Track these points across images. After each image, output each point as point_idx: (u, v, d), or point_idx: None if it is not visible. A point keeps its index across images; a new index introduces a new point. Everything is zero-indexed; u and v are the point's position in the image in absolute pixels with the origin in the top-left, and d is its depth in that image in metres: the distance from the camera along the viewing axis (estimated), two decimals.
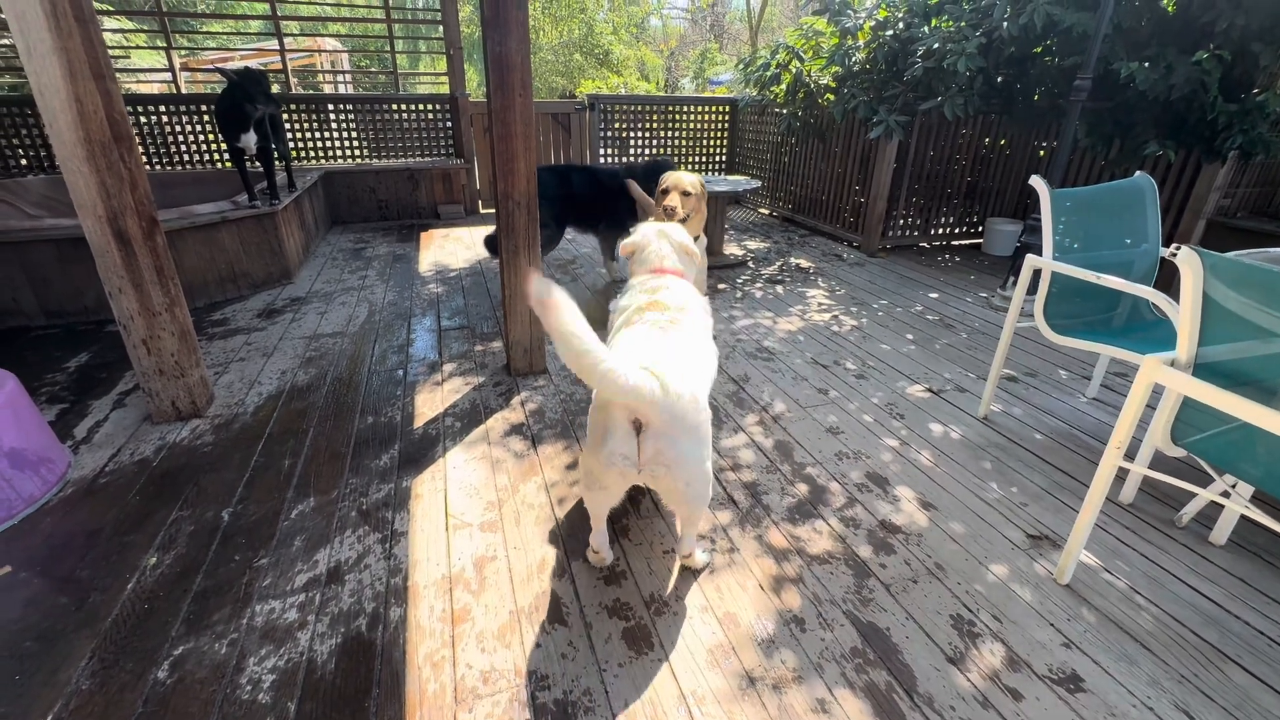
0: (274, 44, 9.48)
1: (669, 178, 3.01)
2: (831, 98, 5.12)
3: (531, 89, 2.46)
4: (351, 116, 6.21)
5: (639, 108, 7.15)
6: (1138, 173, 2.44)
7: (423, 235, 5.69)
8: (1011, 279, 4.18)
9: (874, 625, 1.59)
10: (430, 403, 2.66)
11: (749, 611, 1.63)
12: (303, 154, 6.10)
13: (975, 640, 1.55)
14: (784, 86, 5.52)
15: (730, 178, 4.95)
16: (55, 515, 1.93)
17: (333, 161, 6.22)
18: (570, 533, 1.90)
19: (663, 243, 2.04)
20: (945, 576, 1.76)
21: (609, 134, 6.93)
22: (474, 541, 1.86)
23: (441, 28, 6.29)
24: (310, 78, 10.80)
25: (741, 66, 5.88)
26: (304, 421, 2.49)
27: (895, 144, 4.75)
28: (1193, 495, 1.96)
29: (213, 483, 2.10)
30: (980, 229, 5.66)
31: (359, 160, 6.33)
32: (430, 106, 6.37)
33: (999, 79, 4.58)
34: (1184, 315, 1.42)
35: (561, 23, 16.22)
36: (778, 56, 5.40)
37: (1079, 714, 1.37)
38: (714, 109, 7.36)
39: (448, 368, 3.00)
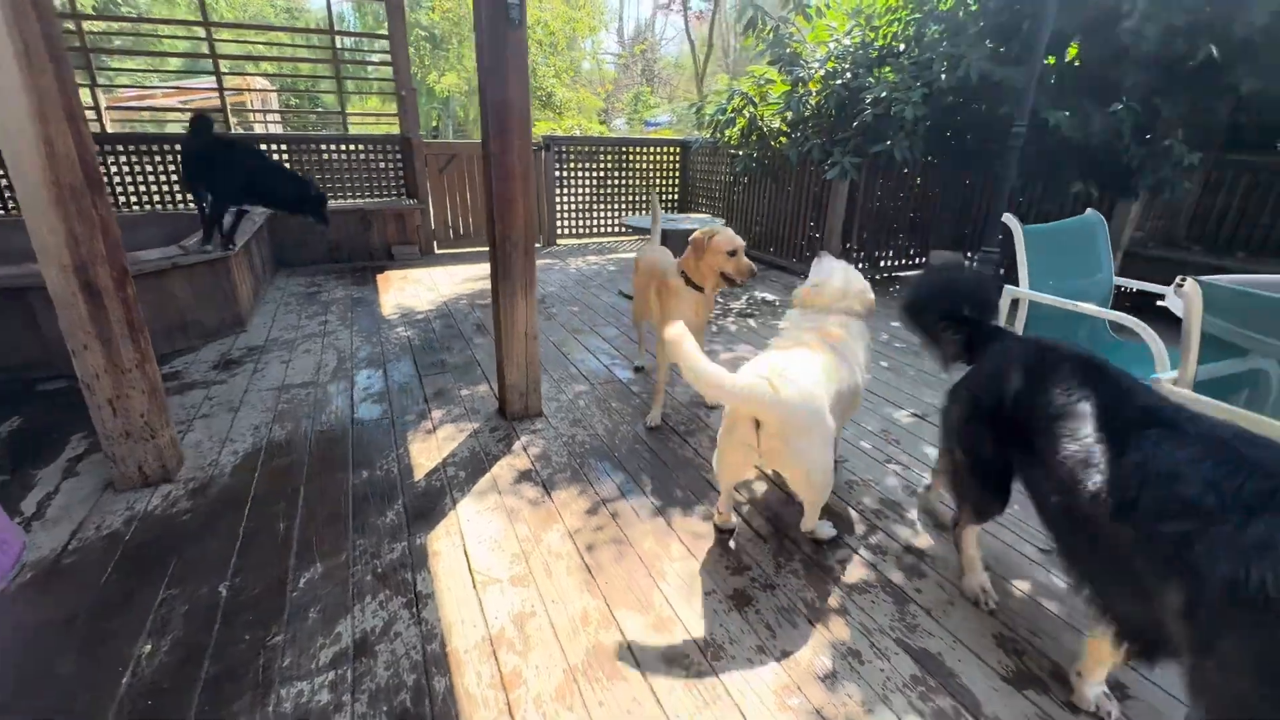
0: (193, 82, 9.08)
1: (725, 238, 2.49)
2: (785, 140, 5.41)
3: (530, 133, 2.47)
4: (301, 157, 5.99)
5: (592, 149, 7.29)
6: (1089, 210, 2.70)
7: (379, 277, 5.50)
8: None
9: (926, 651, 1.62)
10: (426, 452, 2.54)
11: (804, 648, 1.62)
12: None
13: (1021, 658, 1.60)
14: (738, 129, 5.78)
15: (695, 216, 5.10)
16: (18, 605, 1.69)
17: None
18: (607, 580, 1.83)
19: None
20: None
21: (563, 174, 7.00)
22: (507, 597, 1.77)
23: (391, 69, 6.22)
24: (242, 116, 10.38)
25: (694, 110, 6.12)
26: (291, 480, 2.31)
27: (848, 183, 5.04)
28: None
29: (199, 555, 1.91)
30: (921, 260, 6.05)
31: None
32: (382, 147, 6.25)
33: (941, 125, 4.99)
34: (1187, 337, 1.56)
35: None
36: (733, 101, 5.67)
37: None
38: (665, 150, 7.60)
39: (437, 414, 2.88)
